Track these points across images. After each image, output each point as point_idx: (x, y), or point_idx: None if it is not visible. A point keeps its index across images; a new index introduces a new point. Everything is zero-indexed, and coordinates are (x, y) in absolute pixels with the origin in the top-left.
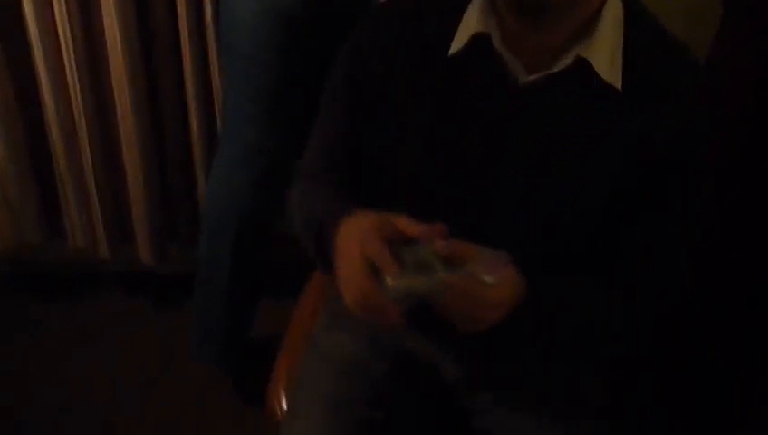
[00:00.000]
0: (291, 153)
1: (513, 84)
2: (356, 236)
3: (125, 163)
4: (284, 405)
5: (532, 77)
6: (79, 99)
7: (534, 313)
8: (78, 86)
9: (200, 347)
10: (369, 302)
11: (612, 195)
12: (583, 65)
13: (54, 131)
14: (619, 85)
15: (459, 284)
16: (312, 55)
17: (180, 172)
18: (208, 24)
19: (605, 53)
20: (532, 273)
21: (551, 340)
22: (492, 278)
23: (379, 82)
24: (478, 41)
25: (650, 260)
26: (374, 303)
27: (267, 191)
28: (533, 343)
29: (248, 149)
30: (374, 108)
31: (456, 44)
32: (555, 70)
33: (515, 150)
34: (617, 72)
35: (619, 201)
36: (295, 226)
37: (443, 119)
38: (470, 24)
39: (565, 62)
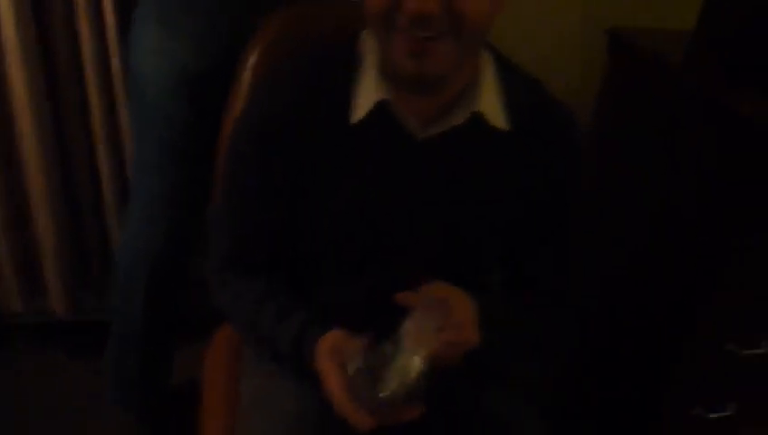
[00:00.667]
0: (201, 203)
1: (413, 141)
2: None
3: (34, 215)
4: None
5: (428, 133)
6: None
7: (495, 330)
8: None
9: (116, 393)
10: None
11: (511, 228)
12: (474, 116)
13: None
14: (506, 127)
15: (439, 347)
16: (216, 109)
17: (92, 222)
18: (116, 75)
19: (491, 104)
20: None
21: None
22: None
23: (284, 157)
24: (377, 106)
25: (551, 283)
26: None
27: (178, 240)
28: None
29: (158, 199)
30: (285, 183)
31: (359, 112)
32: (450, 124)
33: (424, 200)
34: (503, 120)
35: (518, 233)
36: (235, 326)
37: (354, 183)
38: (369, 92)
39: (459, 116)
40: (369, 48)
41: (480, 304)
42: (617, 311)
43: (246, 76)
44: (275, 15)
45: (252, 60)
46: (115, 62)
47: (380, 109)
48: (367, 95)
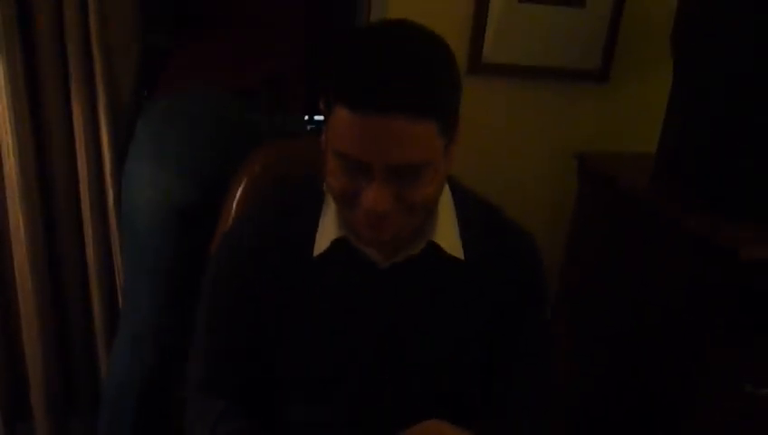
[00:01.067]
0: (189, 329)
1: (375, 269)
2: None
3: (24, 343)
4: None
5: (390, 262)
6: None
7: None
8: None
9: None
10: None
11: (474, 346)
12: (432, 245)
13: None
14: (462, 257)
15: None
16: (204, 242)
17: (81, 349)
18: (110, 207)
19: (447, 234)
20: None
21: None
22: None
23: (255, 283)
24: (339, 240)
25: (523, 402)
26: None
27: (167, 365)
28: None
29: (147, 327)
30: (253, 312)
31: (319, 247)
32: (409, 254)
33: (386, 325)
34: (459, 247)
35: (481, 350)
36: None
37: (319, 310)
38: (328, 230)
39: (417, 246)
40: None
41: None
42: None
43: (231, 207)
44: (259, 151)
45: (237, 192)
46: (110, 196)
47: (342, 241)
48: (327, 232)
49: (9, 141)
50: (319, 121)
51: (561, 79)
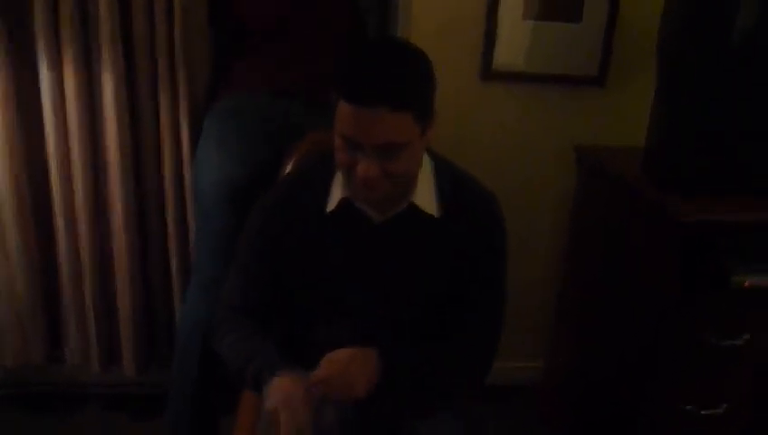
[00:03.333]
0: None
1: (371, 224)
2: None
3: (118, 297)
4: None
5: (382, 218)
6: (85, 245)
7: (399, 371)
8: (87, 236)
9: None
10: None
11: (446, 288)
12: (413, 205)
13: (64, 271)
14: (435, 215)
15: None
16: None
17: (162, 304)
18: (187, 187)
19: (425, 196)
20: (395, 343)
21: (422, 389)
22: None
23: (280, 235)
24: (345, 200)
25: (475, 329)
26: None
27: None
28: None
29: (210, 279)
30: (278, 254)
31: (330, 205)
32: (394, 211)
33: (379, 268)
34: (434, 207)
35: (450, 291)
36: (225, 357)
37: (329, 256)
38: (337, 192)
39: (401, 206)
40: None
41: (380, 351)
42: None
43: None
44: (307, 137)
45: (287, 170)
46: (187, 178)
47: (348, 202)
48: (336, 194)
49: (113, 135)
50: None
51: (562, 84)
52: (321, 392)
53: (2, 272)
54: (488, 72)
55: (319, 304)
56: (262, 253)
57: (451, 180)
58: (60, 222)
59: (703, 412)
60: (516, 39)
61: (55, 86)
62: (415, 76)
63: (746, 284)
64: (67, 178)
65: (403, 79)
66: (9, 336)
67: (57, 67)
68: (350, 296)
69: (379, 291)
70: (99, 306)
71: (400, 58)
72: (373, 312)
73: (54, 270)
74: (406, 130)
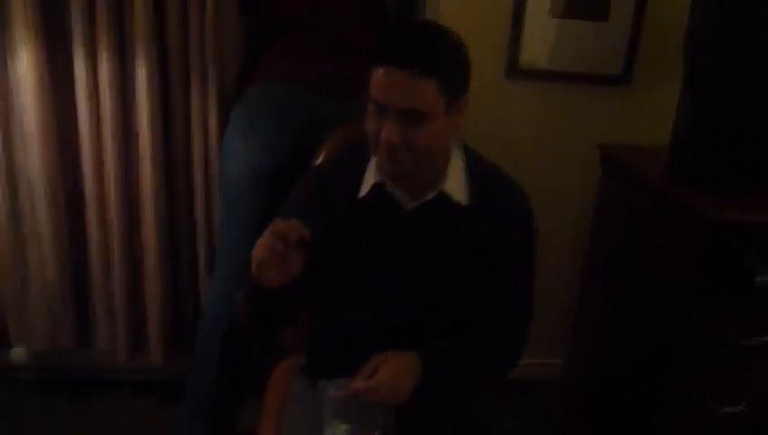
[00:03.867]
0: None
1: (402, 210)
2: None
3: (145, 284)
4: None
5: (413, 205)
6: (115, 233)
7: (437, 372)
8: (116, 225)
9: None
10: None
11: (470, 278)
12: (444, 194)
13: (94, 259)
14: (465, 203)
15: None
16: (279, 200)
17: (189, 290)
18: (213, 177)
19: (456, 185)
20: (425, 338)
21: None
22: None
23: (314, 218)
24: (377, 186)
25: (503, 323)
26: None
27: None
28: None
29: (236, 266)
30: (312, 237)
31: (363, 190)
32: (427, 198)
33: (407, 253)
34: (464, 196)
35: (475, 281)
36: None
37: (360, 241)
38: (370, 178)
39: (432, 193)
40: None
41: (420, 355)
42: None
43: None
44: (339, 129)
45: (319, 160)
46: (216, 167)
47: (381, 189)
48: (369, 179)
49: (145, 127)
50: None
51: (588, 82)
52: (368, 398)
53: (34, 259)
54: (514, 70)
55: (346, 288)
56: None
57: (482, 174)
58: (91, 211)
59: (723, 410)
60: (542, 37)
61: (90, 79)
62: (445, 50)
63: None
64: (99, 169)
65: (432, 48)
66: (39, 321)
67: (92, 60)
68: (376, 281)
69: (406, 277)
70: (127, 293)
71: (435, 32)
72: (399, 297)
73: (84, 258)
74: (429, 98)
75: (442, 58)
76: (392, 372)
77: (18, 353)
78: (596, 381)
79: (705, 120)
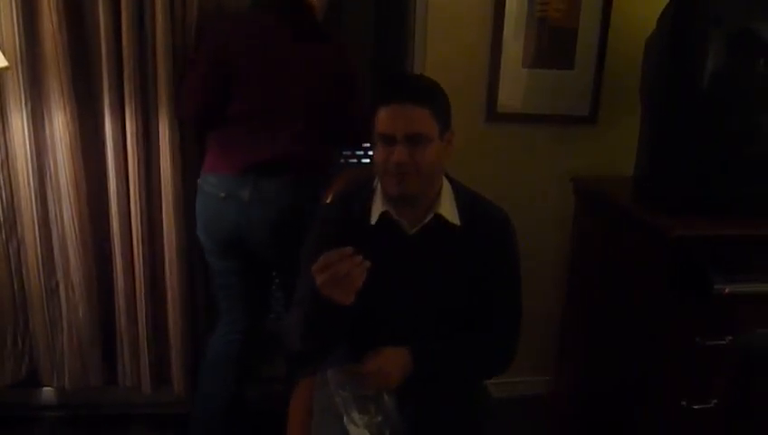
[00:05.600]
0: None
1: (405, 235)
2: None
3: (168, 327)
4: None
5: (414, 230)
6: (140, 276)
7: (428, 364)
8: (141, 268)
9: None
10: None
11: (468, 292)
12: (439, 218)
13: (120, 301)
14: (458, 223)
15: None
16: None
17: (207, 326)
18: None
19: (448, 209)
20: (423, 340)
21: (449, 379)
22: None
23: (333, 244)
24: (383, 214)
25: (497, 328)
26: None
27: (248, 345)
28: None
29: (234, 321)
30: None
31: (373, 219)
32: (423, 223)
33: (412, 274)
34: (456, 218)
35: (472, 295)
36: (290, 336)
37: (374, 261)
38: (377, 207)
39: (428, 217)
40: (377, 182)
41: (411, 349)
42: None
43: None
44: (342, 173)
45: (328, 199)
46: None
47: (386, 216)
48: (377, 209)
49: (167, 175)
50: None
51: (559, 123)
52: (361, 383)
53: (65, 303)
54: (492, 114)
55: (362, 306)
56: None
57: (468, 198)
58: (118, 258)
59: (695, 407)
60: (516, 85)
61: (117, 133)
62: (432, 89)
63: (726, 291)
64: (126, 219)
65: (422, 87)
66: (69, 361)
67: (119, 118)
68: (388, 300)
69: (413, 295)
70: (150, 332)
71: (421, 77)
72: (407, 314)
73: (112, 302)
74: (427, 123)
75: (432, 95)
76: (381, 361)
77: (47, 393)
78: (582, 392)
79: (662, 151)
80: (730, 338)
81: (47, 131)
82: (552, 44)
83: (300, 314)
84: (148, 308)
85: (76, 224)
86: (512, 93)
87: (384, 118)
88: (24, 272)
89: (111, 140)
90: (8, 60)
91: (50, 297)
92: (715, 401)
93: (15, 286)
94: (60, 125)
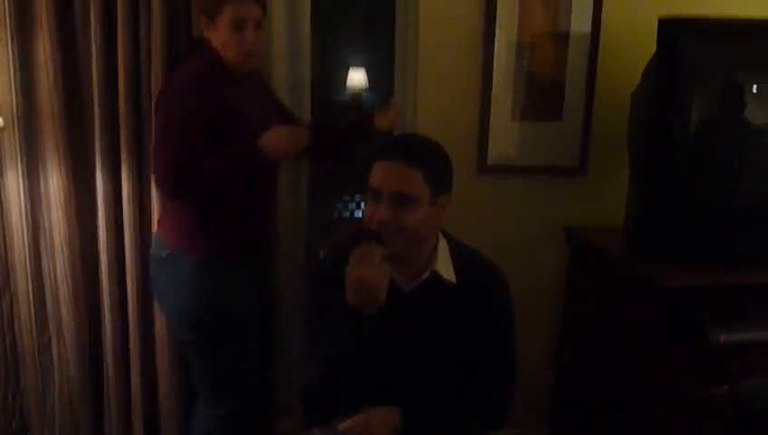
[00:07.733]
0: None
1: (402, 291)
2: None
3: (159, 384)
4: None
5: (411, 286)
6: (132, 334)
7: (417, 425)
8: (133, 325)
9: None
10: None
11: (464, 349)
12: (436, 275)
13: (110, 358)
14: (455, 281)
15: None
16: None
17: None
18: None
19: (444, 266)
20: (416, 397)
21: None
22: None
23: (329, 303)
24: None
25: (491, 384)
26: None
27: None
28: None
29: (213, 416)
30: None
31: None
32: (420, 280)
33: (409, 330)
34: (452, 275)
35: (468, 351)
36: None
37: (373, 316)
38: None
39: (425, 274)
40: None
41: (402, 409)
42: None
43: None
44: (338, 227)
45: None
46: None
47: None
48: None
49: None
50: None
51: (549, 174)
52: None
53: (56, 357)
54: (484, 167)
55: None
56: (316, 314)
57: (464, 255)
58: (109, 313)
59: None
60: (506, 137)
61: (110, 190)
62: (429, 150)
63: (722, 340)
64: (119, 273)
65: (418, 147)
66: (60, 416)
67: (114, 175)
68: (383, 356)
69: (408, 351)
70: (142, 389)
71: (418, 137)
72: (402, 370)
73: (101, 357)
74: (416, 185)
75: (424, 154)
76: (368, 420)
77: None
78: None
79: (650, 201)
80: (726, 387)
81: (42, 187)
82: (541, 97)
83: (317, 353)
84: (138, 363)
85: (68, 279)
86: (502, 146)
87: (376, 172)
88: (16, 326)
89: (103, 197)
90: (4, 115)
91: (42, 352)
92: None
93: (8, 341)
94: (54, 181)
